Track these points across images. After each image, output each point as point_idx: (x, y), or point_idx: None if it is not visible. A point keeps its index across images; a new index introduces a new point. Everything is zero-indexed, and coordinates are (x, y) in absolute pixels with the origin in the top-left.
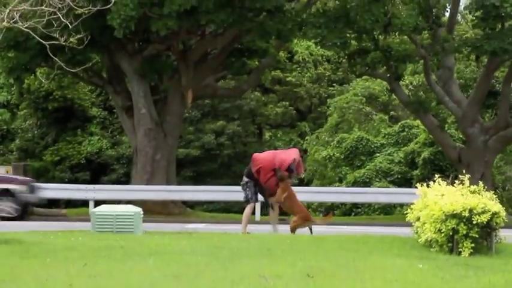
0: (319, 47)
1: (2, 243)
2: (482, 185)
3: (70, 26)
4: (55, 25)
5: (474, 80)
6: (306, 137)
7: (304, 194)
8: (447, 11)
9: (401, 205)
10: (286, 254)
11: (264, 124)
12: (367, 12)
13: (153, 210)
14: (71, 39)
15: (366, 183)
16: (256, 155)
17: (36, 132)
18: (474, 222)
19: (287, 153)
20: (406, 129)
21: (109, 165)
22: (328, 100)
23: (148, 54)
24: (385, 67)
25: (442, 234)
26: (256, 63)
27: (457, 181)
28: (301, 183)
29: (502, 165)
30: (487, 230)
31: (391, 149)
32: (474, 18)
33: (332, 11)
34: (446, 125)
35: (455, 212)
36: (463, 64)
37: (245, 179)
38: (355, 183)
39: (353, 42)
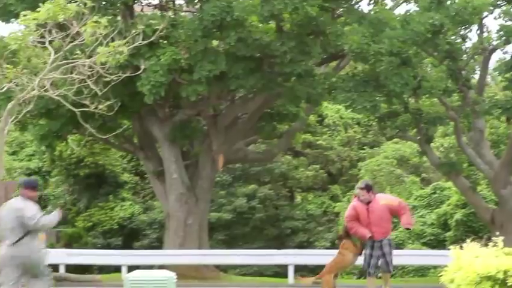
0: (349, 110)
1: None
2: None
3: (100, 93)
4: (85, 92)
5: (507, 136)
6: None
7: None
8: (476, 73)
9: (435, 267)
10: None
11: (295, 187)
12: (396, 76)
13: (187, 274)
14: (101, 106)
15: (399, 246)
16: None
17: (68, 198)
18: (509, 284)
19: None
20: (438, 191)
21: (141, 230)
22: (359, 163)
23: (178, 119)
24: (415, 129)
25: None
26: (287, 127)
27: (490, 243)
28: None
29: None
30: None
31: (423, 211)
32: (504, 79)
33: (361, 75)
34: (479, 187)
35: (489, 274)
36: (495, 122)
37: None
38: None
39: (383, 105)
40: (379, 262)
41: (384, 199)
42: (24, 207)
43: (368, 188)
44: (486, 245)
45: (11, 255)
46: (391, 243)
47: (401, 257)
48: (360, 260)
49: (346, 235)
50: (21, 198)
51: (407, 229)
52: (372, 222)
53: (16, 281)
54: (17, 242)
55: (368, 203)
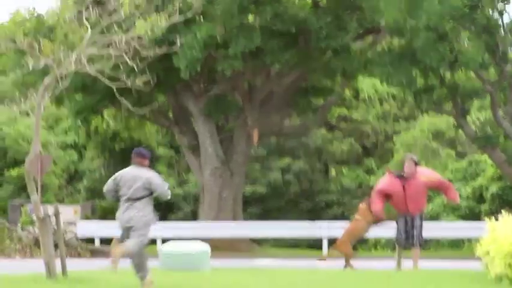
0: (384, 85)
1: (76, 283)
2: None
3: (136, 69)
4: (121, 68)
5: None
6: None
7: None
8: None
9: (470, 240)
10: None
11: (330, 161)
12: (433, 51)
13: (220, 247)
14: (138, 82)
15: (434, 218)
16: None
17: (103, 172)
18: None
19: None
20: (474, 164)
21: (176, 204)
22: (394, 136)
23: (213, 94)
24: (451, 103)
25: None
26: (322, 101)
27: None
28: None
29: None
30: None
31: (458, 184)
32: None
33: (397, 50)
34: None
35: None
36: None
37: None
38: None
39: (419, 79)
40: (410, 236)
41: (425, 176)
42: (151, 175)
43: (416, 162)
44: None
45: (129, 215)
46: (423, 216)
47: (436, 230)
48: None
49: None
50: (136, 166)
51: (456, 203)
52: (409, 197)
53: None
54: (135, 202)
55: (405, 179)
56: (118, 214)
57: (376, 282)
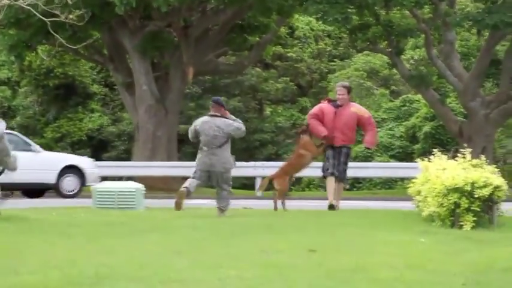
0: (320, 23)
1: (4, 221)
2: (484, 158)
3: (70, 3)
4: (56, 2)
5: (477, 49)
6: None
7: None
8: None
9: (403, 179)
10: (287, 230)
11: (265, 100)
12: None
13: (155, 186)
14: (72, 16)
15: (367, 158)
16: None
17: (37, 109)
18: (476, 196)
19: None
20: (407, 104)
21: (110, 142)
22: (328, 75)
23: (149, 31)
24: (386, 42)
25: (444, 209)
26: (257, 39)
27: (458, 155)
28: None
29: (503, 138)
30: (489, 204)
31: (392, 123)
32: None
33: None
34: (448, 99)
35: (457, 186)
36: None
37: None
38: (356, 158)
39: (354, 17)
40: (335, 169)
41: (356, 108)
42: (231, 121)
43: (349, 90)
44: (454, 157)
45: (210, 162)
46: (350, 153)
47: (369, 169)
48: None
49: (307, 133)
50: (213, 114)
51: (368, 148)
52: (337, 127)
53: (202, 182)
54: (215, 149)
55: (338, 106)
56: (199, 158)
57: (307, 220)
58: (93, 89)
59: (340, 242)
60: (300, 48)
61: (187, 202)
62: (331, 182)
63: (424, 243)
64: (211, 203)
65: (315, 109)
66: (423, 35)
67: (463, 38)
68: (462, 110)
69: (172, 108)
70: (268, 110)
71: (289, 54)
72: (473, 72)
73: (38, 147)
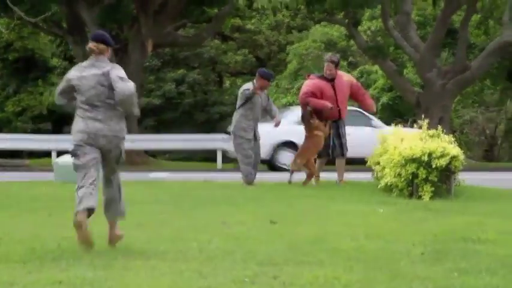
0: None
1: None
2: (441, 128)
3: None
4: None
5: (434, 18)
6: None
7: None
8: None
9: None
10: (248, 202)
11: (224, 72)
12: None
13: None
14: None
15: None
16: None
17: None
18: (433, 166)
19: None
20: (365, 75)
21: (71, 116)
22: (287, 47)
23: (107, 3)
24: (343, 13)
25: (402, 179)
26: (216, 10)
27: (415, 125)
28: None
29: (460, 108)
30: (446, 174)
31: None
32: None
33: None
34: (405, 70)
35: (414, 157)
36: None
37: None
38: None
39: None
40: (338, 145)
41: (347, 76)
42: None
43: (337, 63)
44: (411, 127)
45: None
46: (344, 123)
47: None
48: None
49: (311, 115)
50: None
51: (372, 111)
52: (340, 100)
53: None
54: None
55: (331, 80)
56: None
57: (267, 192)
58: (53, 62)
59: (300, 214)
60: (258, 20)
61: (148, 175)
62: (341, 162)
63: (382, 213)
64: (171, 176)
65: (308, 87)
66: (380, 6)
67: (420, 7)
68: (419, 80)
69: (132, 80)
70: (227, 83)
71: (247, 26)
72: (429, 42)
73: None
